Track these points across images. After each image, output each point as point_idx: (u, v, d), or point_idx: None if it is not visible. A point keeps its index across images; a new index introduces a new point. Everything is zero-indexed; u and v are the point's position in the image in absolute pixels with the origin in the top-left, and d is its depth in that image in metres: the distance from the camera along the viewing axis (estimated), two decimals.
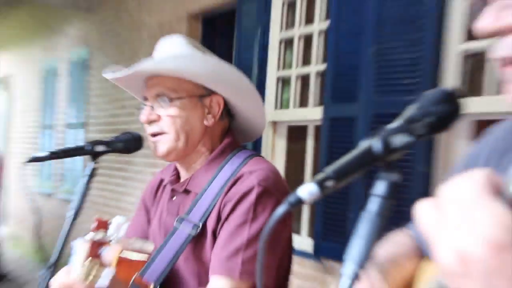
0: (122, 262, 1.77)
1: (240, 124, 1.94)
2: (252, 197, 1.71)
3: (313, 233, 4.93)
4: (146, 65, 1.78)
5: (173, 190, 1.91)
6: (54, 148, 1.87)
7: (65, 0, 8.10)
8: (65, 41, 9.79)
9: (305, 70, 5.17)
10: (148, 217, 2.03)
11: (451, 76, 3.86)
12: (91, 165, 1.84)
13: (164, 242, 1.80)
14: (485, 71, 3.80)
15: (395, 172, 0.87)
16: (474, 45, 3.78)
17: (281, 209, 0.81)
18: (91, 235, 1.38)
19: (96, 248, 1.37)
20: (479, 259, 0.62)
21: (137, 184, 7.13)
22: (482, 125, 3.76)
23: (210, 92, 1.83)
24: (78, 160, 8.80)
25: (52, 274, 1.73)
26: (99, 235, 1.37)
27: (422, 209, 0.71)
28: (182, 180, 1.90)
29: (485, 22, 0.93)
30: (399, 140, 0.86)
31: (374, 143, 0.86)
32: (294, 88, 5.30)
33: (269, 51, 5.44)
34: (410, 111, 0.89)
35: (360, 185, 4.27)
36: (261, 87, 5.38)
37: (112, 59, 8.10)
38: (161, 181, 2.02)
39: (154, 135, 1.81)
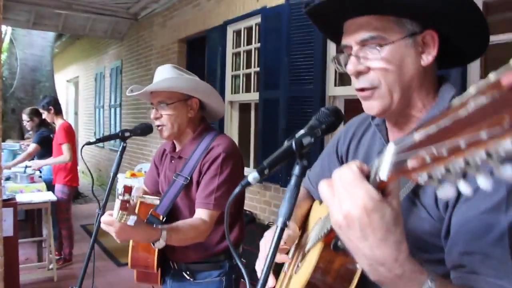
0: (141, 203, 1.80)
1: (210, 111, 1.91)
2: (219, 160, 1.71)
3: (256, 165, 4.88)
4: (150, 87, 1.74)
5: (171, 157, 1.88)
6: (99, 136, 1.78)
7: (107, 33, 7.84)
8: (107, 57, 9.50)
9: (248, 71, 5.12)
10: (157, 171, 2.00)
11: (331, 75, 3.87)
12: (122, 144, 1.80)
13: (167, 189, 1.78)
14: None
15: (304, 159, 0.85)
16: (340, 91, 3.69)
17: (237, 188, 0.83)
18: (121, 196, 1.29)
19: (124, 204, 1.27)
20: (357, 217, 0.63)
21: (154, 140, 6.97)
22: (349, 103, 3.82)
23: (190, 97, 1.77)
24: (118, 123, 8.65)
25: (103, 212, 1.68)
26: (126, 196, 1.27)
27: (322, 186, 0.70)
28: (177, 150, 1.88)
29: (350, 66, 0.91)
30: (306, 140, 0.84)
31: (292, 143, 0.83)
32: (242, 81, 5.27)
33: (226, 60, 5.33)
34: (312, 121, 0.89)
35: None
36: (222, 81, 5.38)
37: (134, 67, 7.92)
38: (164, 150, 1.98)
39: (158, 125, 1.77)
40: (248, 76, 5.13)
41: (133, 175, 6.58)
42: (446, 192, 0.47)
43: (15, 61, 7.86)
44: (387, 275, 0.66)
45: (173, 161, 1.86)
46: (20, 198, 3.82)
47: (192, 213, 1.72)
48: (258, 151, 4.82)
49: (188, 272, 1.80)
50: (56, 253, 4.44)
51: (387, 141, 1.00)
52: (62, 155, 4.37)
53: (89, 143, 1.74)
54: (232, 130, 5.53)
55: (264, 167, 0.81)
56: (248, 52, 5.09)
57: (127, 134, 1.79)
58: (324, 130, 0.86)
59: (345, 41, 0.93)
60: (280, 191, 4.54)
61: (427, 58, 0.90)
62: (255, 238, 4.79)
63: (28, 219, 5.01)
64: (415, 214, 0.87)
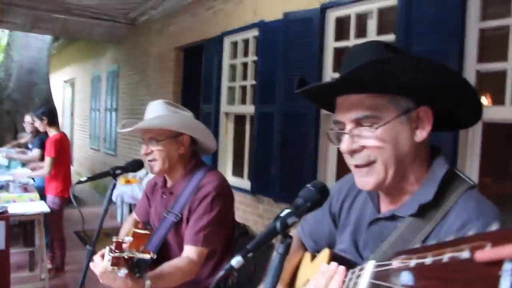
0: (135, 234, 1.76)
1: (201, 146, 1.90)
2: (209, 198, 1.72)
3: (250, 178, 4.90)
4: (140, 125, 1.74)
5: (163, 192, 1.88)
6: (89, 175, 1.79)
7: (104, 37, 7.82)
8: (105, 60, 9.48)
9: (244, 83, 5.12)
10: (149, 203, 2.01)
11: None
12: (113, 181, 1.81)
13: (158, 226, 1.79)
14: None
15: (289, 238, 0.87)
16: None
17: (221, 273, 0.86)
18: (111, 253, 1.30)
19: (115, 260, 1.28)
20: None
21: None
22: None
23: (181, 133, 1.77)
24: (113, 127, 8.61)
25: (94, 248, 1.72)
26: (117, 254, 1.28)
27: None
28: (168, 185, 1.88)
29: (344, 145, 0.91)
30: (291, 220, 0.85)
31: (277, 224, 0.85)
32: (238, 93, 5.26)
33: (223, 71, 5.36)
34: (298, 200, 0.90)
35: (276, 161, 4.30)
36: (218, 91, 5.39)
37: (132, 72, 7.92)
38: (156, 183, 1.98)
39: (150, 160, 1.77)
40: (243, 88, 5.13)
41: (127, 181, 6.59)
42: None
43: (11, 63, 7.84)
44: None
45: (164, 196, 1.87)
46: (12, 209, 3.81)
47: (182, 249, 1.73)
48: (252, 165, 4.83)
49: None
50: (49, 261, 4.44)
51: (378, 210, 1.00)
52: (42, 169, 4.42)
53: (79, 182, 1.74)
54: (227, 141, 5.54)
55: (248, 250, 0.83)
56: (245, 64, 5.09)
57: (118, 171, 1.80)
58: (309, 208, 0.87)
59: (339, 117, 0.93)
60: (273, 205, 4.55)
61: (421, 134, 0.91)
62: None
63: (21, 225, 5.00)
64: None
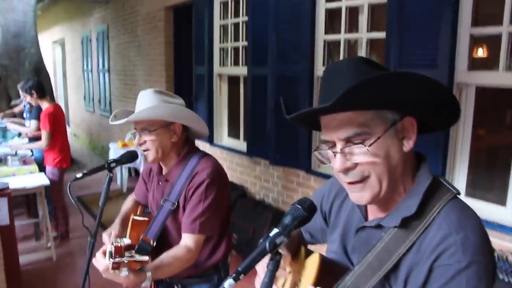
0: (134, 222, 1.89)
1: (194, 131, 1.91)
2: (203, 186, 1.75)
3: (246, 139, 4.93)
4: (132, 118, 1.74)
5: (159, 179, 1.92)
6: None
7: None
8: (93, 20, 9.26)
9: (236, 44, 5.04)
10: (146, 187, 2.06)
11: (319, 54, 3.83)
12: (109, 175, 1.82)
13: (156, 213, 1.83)
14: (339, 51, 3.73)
15: (278, 255, 0.88)
16: (331, 37, 3.67)
17: None
18: (112, 259, 1.36)
19: (116, 265, 1.35)
20: None
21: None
22: None
23: (173, 122, 1.78)
24: (107, 88, 8.54)
25: (95, 239, 1.79)
26: (117, 259, 1.33)
27: None
28: (163, 172, 1.91)
29: (337, 165, 0.92)
30: (279, 240, 0.87)
31: (266, 244, 0.86)
32: (230, 55, 5.20)
33: (214, 32, 5.27)
34: (286, 219, 0.91)
35: (270, 135, 4.31)
36: (210, 53, 5.32)
37: (121, 32, 7.75)
38: (151, 169, 2.01)
39: (144, 150, 1.79)
40: (236, 49, 5.05)
41: (124, 145, 6.62)
42: None
43: None
44: None
45: (160, 183, 1.90)
46: (13, 183, 3.86)
47: (180, 234, 1.79)
48: (248, 127, 4.85)
49: (180, 285, 1.89)
50: (53, 230, 4.55)
51: (366, 217, 1.03)
52: (39, 142, 4.43)
53: (76, 179, 1.75)
54: (221, 103, 5.52)
55: (240, 272, 0.84)
56: (236, 25, 4.98)
57: (113, 165, 1.82)
58: (297, 225, 0.90)
59: (327, 136, 0.93)
60: (269, 167, 4.61)
61: (408, 144, 0.92)
62: (246, 213, 4.89)
63: (23, 197, 5.07)
64: None
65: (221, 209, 1.83)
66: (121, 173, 6.74)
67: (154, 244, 1.76)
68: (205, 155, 1.87)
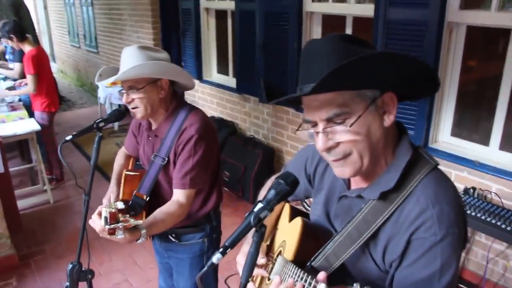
0: (126, 177, 1.93)
1: (180, 85, 1.90)
2: (192, 141, 1.77)
3: (236, 76, 4.88)
4: (119, 77, 1.71)
5: (148, 134, 1.93)
6: (75, 132, 1.81)
7: None
8: None
9: None
10: (136, 140, 2.08)
11: None
12: (98, 134, 1.83)
13: (148, 169, 1.87)
14: None
15: (263, 227, 0.92)
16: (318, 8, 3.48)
17: (205, 268, 0.90)
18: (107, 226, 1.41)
19: (112, 231, 1.43)
20: None
21: (129, 38, 6.77)
22: (327, 20, 3.66)
23: (159, 78, 1.77)
24: (91, 23, 8.25)
25: (89, 196, 1.83)
26: (113, 225, 1.41)
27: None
28: (153, 128, 1.92)
29: (320, 144, 0.94)
30: (263, 214, 0.91)
31: (251, 219, 0.90)
32: None
33: None
34: (269, 195, 0.94)
35: (259, 66, 4.23)
36: None
37: None
38: (140, 123, 2.01)
39: (133, 108, 1.79)
40: None
41: (113, 84, 6.53)
42: None
43: None
44: None
45: (150, 139, 1.92)
46: (3, 130, 3.87)
47: (171, 187, 1.84)
48: (237, 64, 4.78)
49: (173, 235, 1.98)
50: (47, 172, 4.63)
51: (348, 187, 1.07)
52: (26, 87, 4.35)
53: (66, 141, 1.76)
54: (209, 38, 5.39)
55: (227, 246, 0.89)
56: None
57: (101, 124, 1.81)
58: (279, 199, 0.94)
59: (309, 116, 0.94)
60: (258, 104, 4.62)
61: (389, 119, 0.93)
62: (237, 150, 4.96)
63: (15, 143, 5.09)
64: (364, 262, 1.01)
65: (211, 162, 1.87)
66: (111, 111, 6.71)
67: (147, 199, 1.81)
68: (193, 109, 1.87)
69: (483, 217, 2.39)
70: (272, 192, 0.94)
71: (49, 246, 3.66)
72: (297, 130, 1.00)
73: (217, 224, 2.03)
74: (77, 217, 4.11)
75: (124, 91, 1.78)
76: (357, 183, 1.05)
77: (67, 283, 1.85)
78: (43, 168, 4.30)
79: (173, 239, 1.98)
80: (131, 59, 1.73)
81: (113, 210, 1.40)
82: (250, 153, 4.44)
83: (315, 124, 0.94)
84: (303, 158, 1.28)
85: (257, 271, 1.23)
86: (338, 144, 0.92)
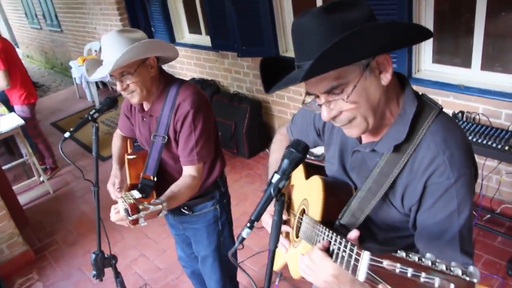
0: (129, 161, 1.97)
1: (163, 58, 1.90)
2: (190, 117, 1.78)
3: (209, 34, 4.80)
4: (114, 67, 1.66)
5: (142, 116, 1.94)
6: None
7: None
8: None
9: None
10: (130, 121, 2.09)
11: None
12: (95, 125, 1.88)
13: (149, 151, 1.89)
14: None
15: (283, 196, 1.01)
16: None
17: (237, 244, 0.98)
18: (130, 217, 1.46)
19: (134, 221, 1.47)
20: (330, 281, 0.95)
21: (95, 16, 6.55)
22: None
23: (147, 57, 1.78)
24: (49, 2, 7.91)
25: (98, 187, 1.91)
26: (134, 216, 1.45)
27: (302, 266, 1.02)
28: (146, 108, 1.93)
29: (324, 115, 1.00)
30: (282, 184, 0.98)
31: (271, 190, 0.97)
32: None
33: None
34: (284, 164, 1.00)
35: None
36: None
37: None
38: (131, 105, 2.01)
39: (129, 93, 1.79)
40: None
41: (85, 60, 6.39)
42: None
43: None
44: None
45: (144, 119, 1.93)
46: None
47: (176, 162, 1.89)
48: (208, 20, 4.68)
49: (186, 208, 2.04)
50: (40, 162, 4.62)
51: (360, 141, 1.14)
52: None
53: (65, 139, 1.78)
54: None
55: (253, 220, 0.98)
56: None
57: (96, 115, 1.83)
58: (294, 167, 1.00)
59: (309, 90, 0.99)
60: (237, 59, 4.58)
61: (386, 77, 0.97)
62: (224, 108, 4.97)
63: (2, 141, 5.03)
64: (386, 210, 1.09)
65: (212, 132, 1.90)
66: (89, 90, 6.60)
67: (155, 179, 1.86)
68: (182, 82, 1.88)
69: (474, 139, 2.50)
70: (286, 161, 1.00)
71: (60, 235, 3.75)
72: (303, 104, 1.05)
73: (225, 189, 2.10)
74: (80, 202, 4.17)
75: (115, 80, 1.77)
76: (367, 137, 1.11)
77: (94, 272, 1.92)
78: (35, 160, 4.29)
79: (186, 212, 2.05)
80: (114, 47, 1.72)
81: (132, 201, 1.44)
82: (237, 109, 4.46)
83: (317, 96, 0.99)
84: (311, 113, 1.33)
85: (282, 228, 1.30)
86: (341, 112, 0.98)
